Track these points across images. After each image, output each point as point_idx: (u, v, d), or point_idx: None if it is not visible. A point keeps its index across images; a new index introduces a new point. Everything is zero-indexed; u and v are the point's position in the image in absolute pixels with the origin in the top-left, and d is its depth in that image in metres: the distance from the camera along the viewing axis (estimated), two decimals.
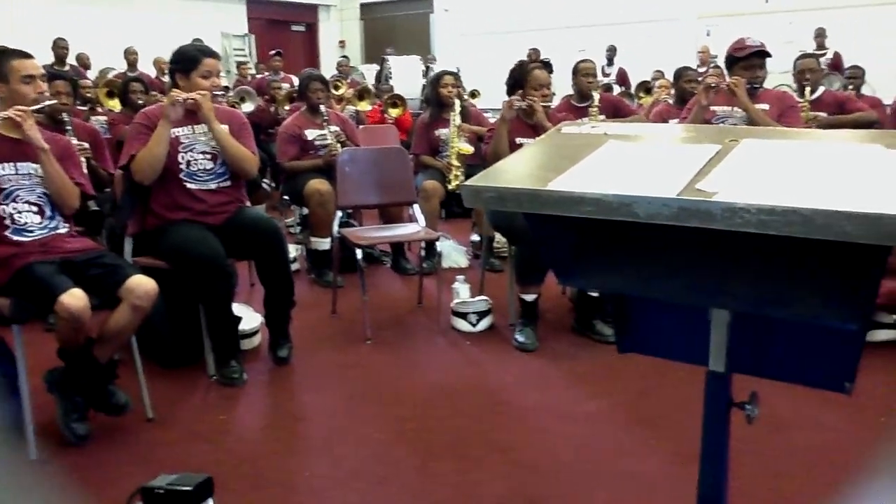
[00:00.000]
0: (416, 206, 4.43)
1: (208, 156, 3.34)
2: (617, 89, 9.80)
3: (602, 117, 4.82)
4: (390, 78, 11.66)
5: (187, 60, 3.33)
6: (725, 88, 3.86)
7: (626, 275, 1.36)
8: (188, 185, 3.29)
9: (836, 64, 9.85)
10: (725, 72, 4.18)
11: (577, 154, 1.43)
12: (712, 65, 9.55)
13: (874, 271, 1.18)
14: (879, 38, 10.15)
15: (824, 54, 9.83)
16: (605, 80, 9.68)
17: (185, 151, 3.30)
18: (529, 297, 3.64)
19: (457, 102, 5.19)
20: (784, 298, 1.21)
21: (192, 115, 3.29)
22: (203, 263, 3.10)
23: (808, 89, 4.88)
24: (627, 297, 1.55)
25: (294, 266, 4.60)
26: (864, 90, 6.94)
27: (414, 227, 4.35)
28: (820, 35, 10.71)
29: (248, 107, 7.60)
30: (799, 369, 1.41)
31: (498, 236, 4.68)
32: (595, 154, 1.43)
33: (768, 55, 3.89)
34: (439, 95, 5.25)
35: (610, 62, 11.46)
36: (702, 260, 1.26)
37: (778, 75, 5.93)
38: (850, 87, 6.69)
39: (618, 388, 3.11)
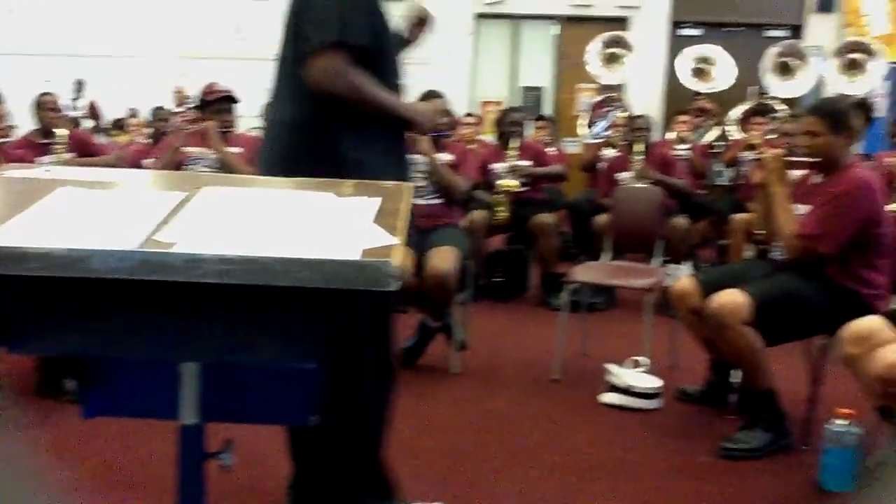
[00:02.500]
0: None
1: None
2: (88, 124, 9.22)
3: (69, 155, 4.47)
4: None
5: None
6: (198, 131, 3.91)
7: (86, 334, 1.24)
8: None
9: None
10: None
11: (23, 202, 1.27)
12: (188, 106, 9.61)
13: (331, 311, 1.26)
14: None
15: None
16: (74, 115, 9.03)
17: None
18: None
19: None
20: (249, 345, 1.24)
21: None
22: None
23: None
24: (90, 358, 1.42)
25: None
26: None
27: None
28: None
29: None
30: (271, 411, 1.45)
31: None
32: (44, 202, 1.29)
33: (237, 101, 4.06)
34: None
35: (78, 96, 10.74)
36: (167, 314, 1.22)
37: (250, 119, 6.21)
38: None
39: (94, 451, 2.86)
